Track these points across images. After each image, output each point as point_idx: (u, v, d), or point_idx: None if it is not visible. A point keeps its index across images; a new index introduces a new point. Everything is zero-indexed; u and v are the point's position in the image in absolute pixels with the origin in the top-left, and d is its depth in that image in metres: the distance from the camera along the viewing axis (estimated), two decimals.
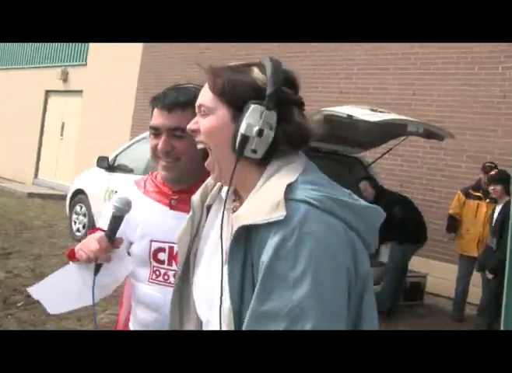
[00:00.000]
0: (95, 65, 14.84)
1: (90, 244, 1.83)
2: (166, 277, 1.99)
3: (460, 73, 8.09)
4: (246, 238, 1.30)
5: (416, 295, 7.42)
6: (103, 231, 1.87)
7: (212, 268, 1.44)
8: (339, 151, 7.04)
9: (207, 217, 1.55)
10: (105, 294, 1.98)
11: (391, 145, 7.12)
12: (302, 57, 9.82)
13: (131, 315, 2.16)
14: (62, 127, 16.01)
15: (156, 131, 1.95)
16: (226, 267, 1.34)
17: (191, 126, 1.44)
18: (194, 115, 1.49)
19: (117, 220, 1.85)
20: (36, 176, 16.71)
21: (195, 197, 1.57)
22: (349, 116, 5.65)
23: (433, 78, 8.39)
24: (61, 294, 1.98)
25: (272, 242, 1.23)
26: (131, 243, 2.02)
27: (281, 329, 1.20)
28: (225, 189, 1.49)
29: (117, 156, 8.58)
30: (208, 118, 1.38)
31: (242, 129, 1.31)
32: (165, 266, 1.99)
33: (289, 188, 1.27)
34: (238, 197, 1.44)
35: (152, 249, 1.99)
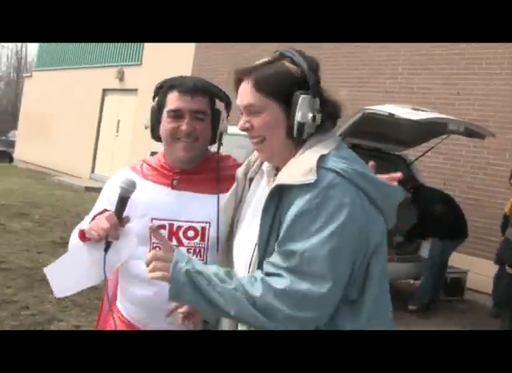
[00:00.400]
0: (149, 65, 15.32)
1: (100, 223, 1.90)
2: None
3: (504, 73, 8.15)
4: (279, 197, 1.54)
5: (457, 291, 7.51)
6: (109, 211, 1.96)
7: (251, 230, 1.67)
8: (381, 149, 7.20)
9: (249, 188, 1.80)
10: (109, 273, 2.03)
11: (433, 144, 7.24)
12: (349, 57, 10.04)
13: (121, 294, 2.22)
14: (118, 124, 16.54)
15: (177, 113, 2.04)
16: (259, 220, 1.58)
17: (243, 125, 1.65)
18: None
19: (123, 200, 1.93)
20: (92, 170, 17.33)
21: (239, 171, 1.83)
22: (391, 115, 5.82)
23: (476, 78, 8.46)
24: (70, 276, 2.02)
25: (300, 200, 1.49)
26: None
27: (292, 265, 1.46)
28: (266, 164, 1.75)
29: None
30: (263, 116, 1.61)
31: (298, 118, 1.57)
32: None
33: (322, 158, 1.53)
34: (277, 172, 1.68)
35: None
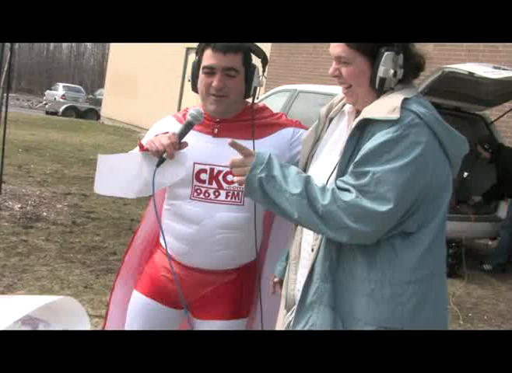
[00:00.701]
0: None
1: (161, 138, 2.04)
2: (206, 195, 2.22)
3: None
4: (361, 130, 1.73)
5: None
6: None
7: (326, 163, 1.87)
8: (461, 108, 7.17)
9: (327, 127, 1.98)
10: (147, 193, 2.11)
11: None
12: None
13: (164, 231, 2.30)
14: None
15: (210, 70, 2.16)
16: (341, 151, 1.77)
17: (333, 72, 1.83)
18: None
19: (189, 126, 2.07)
20: None
21: (322, 110, 2.01)
22: (470, 74, 5.78)
23: None
24: (116, 177, 2.10)
25: (380, 134, 1.67)
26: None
27: (361, 184, 1.65)
28: (347, 106, 1.94)
29: None
30: (350, 66, 1.79)
31: (380, 73, 1.75)
32: (206, 185, 2.21)
33: (405, 101, 1.70)
34: (358, 114, 1.84)
35: (195, 171, 2.20)
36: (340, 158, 1.77)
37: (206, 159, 2.20)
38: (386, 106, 1.71)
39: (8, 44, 7.32)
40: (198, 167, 2.20)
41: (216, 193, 2.22)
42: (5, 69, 7.21)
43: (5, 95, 7.24)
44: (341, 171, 1.76)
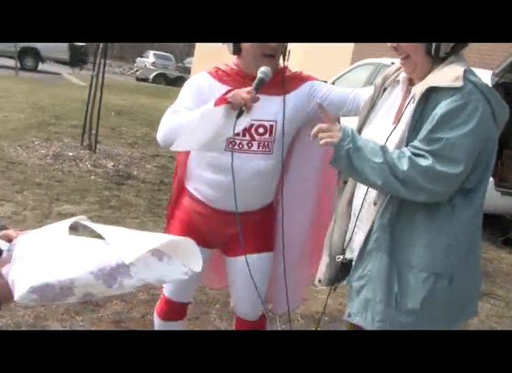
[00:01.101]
0: None
1: (241, 93, 2.20)
2: (240, 146, 2.43)
3: None
4: (426, 99, 1.95)
5: None
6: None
7: (381, 128, 2.10)
8: None
9: (381, 96, 2.21)
10: (217, 141, 2.32)
11: None
12: None
13: (191, 179, 2.59)
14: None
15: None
16: (407, 115, 1.98)
17: (392, 44, 2.04)
18: None
19: (261, 82, 2.26)
20: None
21: (377, 81, 2.24)
22: None
23: None
24: (194, 133, 2.23)
25: (447, 101, 1.89)
26: None
27: (435, 149, 1.87)
28: (402, 74, 2.14)
29: (334, 81, 9.34)
30: (414, 51, 2.00)
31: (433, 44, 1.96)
32: (240, 137, 2.41)
33: (465, 72, 1.92)
34: (412, 84, 2.08)
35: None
36: (408, 125, 1.96)
37: None
38: (449, 76, 1.92)
39: None
40: None
41: (249, 144, 2.44)
42: None
43: (102, 61, 7.73)
44: (408, 137, 1.96)
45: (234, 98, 2.20)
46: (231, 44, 2.44)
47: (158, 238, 1.50)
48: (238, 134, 2.40)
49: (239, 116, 2.20)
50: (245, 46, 2.41)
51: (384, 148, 1.93)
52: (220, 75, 2.50)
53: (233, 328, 2.89)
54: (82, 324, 3.43)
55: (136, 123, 10.84)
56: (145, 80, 28.12)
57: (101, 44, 7.76)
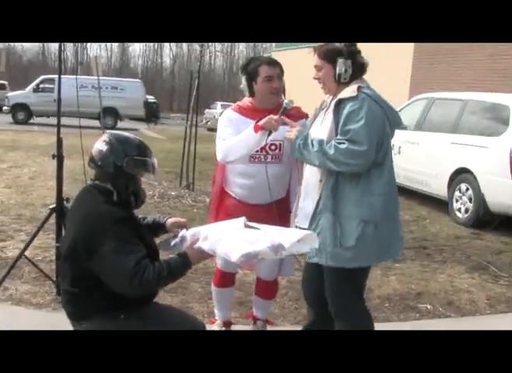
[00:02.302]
0: None
1: (272, 120, 3.25)
2: (259, 159, 3.52)
3: None
4: (338, 107, 3.04)
5: None
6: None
7: (320, 130, 3.18)
8: None
9: (320, 112, 3.32)
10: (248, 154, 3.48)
11: None
12: None
13: (228, 184, 3.68)
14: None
15: (270, 78, 3.46)
16: (327, 120, 3.15)
17: (316, 76, 3.18)
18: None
19: (284, 110, 3.32)
20: None
21: (317, 105, 3.34)
22: None
23: None
24: (238, 148, 3.40)
25: (349, 106, 2.98)
26: None
27: (347, 137, 2.97)
28: (328, 97, 3.26)
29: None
30: (322, 71, 3.13)
31: (338, 70, 3.07)
32: (259, 152, 3.50)
33: (359, 87, 3.02)
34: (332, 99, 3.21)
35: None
36: (331, 124, 3.10)
37: None
38: (348, 91, 3.07)
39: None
40: None
41: (265, 158, 3.53)
42: (194, 94, 9.17)
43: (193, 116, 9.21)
44: (336, 131, 3.07)
45: (268, 124, 3.27)
46: (247, 90, 3.56)
47: (296, 232, 2.82)
48: (257, 151, 3.47)
49: (269, 135, 3.30)
50: (257, 88, 3.51)
51: (321, 142, 3.05)
52: (241, 110, 3.61)
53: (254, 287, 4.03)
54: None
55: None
56: (216, 130, 29.52)
57: (192, 99, 9.22)
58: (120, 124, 24.92)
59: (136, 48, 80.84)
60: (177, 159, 11.10)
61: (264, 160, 3.52)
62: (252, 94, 3.57)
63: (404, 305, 5.00)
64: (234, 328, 4.08)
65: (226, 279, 3.89)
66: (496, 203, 7.93)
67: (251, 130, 3.33)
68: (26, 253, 4.67)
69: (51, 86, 24.66)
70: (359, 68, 3.16)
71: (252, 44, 56.41)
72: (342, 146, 2.98)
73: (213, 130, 29.70)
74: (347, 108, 3.01)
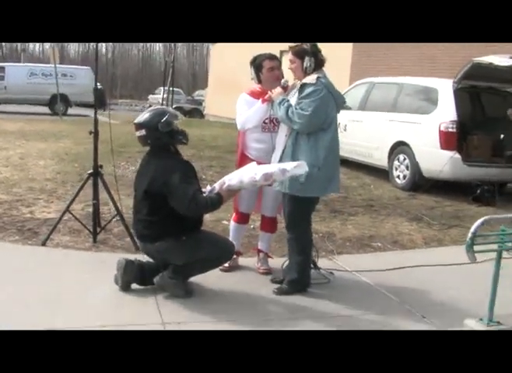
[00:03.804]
0: None
1: (279, 91, 4.57)
2: (269, 129, 4.84)
3: None
4: (302, 88, 4.46)
5: None
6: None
7: (290, 100, 4.61)
8: (495, 87, 9.79)
9: (292, 90, 4.73)
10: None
11: None
12: None
13: (246, 148, 4.97)
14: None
15: (272, 68, 4.80)
16: (295, 96, 4.58)
17: (289, 67, 4.60)
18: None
19: (282, 86, 4.62)
20: None
21: (292, 85, 4.79)
22: (490, 64, 8.43)
23: None
24: (254, 117, 4.74)
25: (308, 89, 4.40)
26: None
27: (302, 105, 4.41)
28: (298, 82, 4.61)
29: None
30: (295, 63, 4.52)
31: (305, 64, 4.47)
32: (268, 124, 4.84)
33: (318, 77, 4.43)
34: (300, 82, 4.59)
35: (261, 119, 4.78)
36: (296, 98, 4.47)
37: (267, 114, 4.81)
38: (310, 79, 4.43)
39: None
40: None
41: (273, 128, 4.86)
42: (169, 80, 10.41)
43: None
44: (297, 103, 4.45)
45: (274, 93, 4.62)
46: (255, 77, 4.91)
47: (293, 162, 4.29)
48: (267, 122, 4.83)
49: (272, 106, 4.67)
50: (263, 77, 4.87)
51: (289, 105, 4.45)
52: (252, 94, 4.94)
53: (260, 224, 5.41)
54: None
55: (182, 147, 13.45)
56: None
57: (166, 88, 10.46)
58: (70, 111, 25.54)
59: None
60: None
61: (273, 130, 4.86)
62: (259, 81, 4.95)
63: (360, 244, 6.46)
64: (242, 258, 5.45)
65: (243, 218, 5.27)
66: (428, 169, 9.51)
67: (259, 103, 4.74)
68: (53, 214, 5.91)
69: (0, 74, 25.16)
70: (319, 63, 4.57)
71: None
72: (298, 110, 4.41)
73: None
74: (307, 90, 4.43)
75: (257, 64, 4.91)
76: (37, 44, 62.19)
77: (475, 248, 3.62)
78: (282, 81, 4.75)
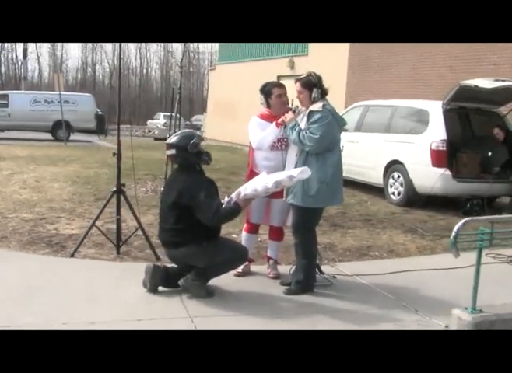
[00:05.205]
0: (314, 55, 19.25)
1: (290, 116, 5.17)
2: (276, 148, 5.42)
3: None
4: (309, 115, 5.13)
5: None
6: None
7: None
8: (481, 108, 10.48)
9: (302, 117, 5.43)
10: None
11: None
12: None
13: (256, 166, 5.49)
14: (292, 104, 20.51)
15: (280, 95, 5.42)
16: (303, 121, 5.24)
17: (297, 96, 5.26)
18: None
19: (294, 112, 5.21)
20: None
21: (301, 110, 5.44)
22: (475, 86, 9.12)
23: None
24: (264, 139, 5.32)
25: (316, 116, 5.08)
26: None
27: (312, 129, 5.07)
28: (303, 108, 5.31)
29: None
30: (303, 94, 5.20)
31: (313, 95, 5.16)
32: (277, 143, 5.40)
33: (323, 105, 5.13)
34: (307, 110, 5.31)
35: (274, 140, 5.35)
36: (305, 124, 5.13)
37: (276, 135, 5.38)
38: (316, 106, 5.12)
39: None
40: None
41: (281, 147, 5.44)
42: (176, 107, 11.03)
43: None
44: (306, 128, 5.12)
45: (288, 119, 5.24)
46: (265, 102, 5.50)
47: (298, 169, 4.95)
48: (275, 142, 5.38)
49: (285, 128, 5.28)
50: (272, 102, 5.45)
51: (300, 129, 5.07)
52: (262, 117, 5.53)
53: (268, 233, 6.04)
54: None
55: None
56: (164, 139, 31.04)
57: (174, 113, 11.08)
58: (73, 137, 26.13)
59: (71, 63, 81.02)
60: (146, 164, 13.31)
61: (281, 148, 5.46)
62: (268, 106, 5.55)
63: (359, 253, 7.06)
64: (253, 266, 6.03)
65: (254, 228, 5.86)
66: (421, 185, 10.14)
67: (274, 126, 5.31)
68: (76, 230, 6.50)
69: (4, 102, 25.81)
70: (323, 93, 5.24)
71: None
72: (308, 134, 5.02)
73: (160, 139, 31.48)
74: (314, 116, 5.08)
75: (266, 90, 5.51)
76: (36, 72, 63.18)
77: (459, 245, 4.24)
78: (293, 107, 5.39)
